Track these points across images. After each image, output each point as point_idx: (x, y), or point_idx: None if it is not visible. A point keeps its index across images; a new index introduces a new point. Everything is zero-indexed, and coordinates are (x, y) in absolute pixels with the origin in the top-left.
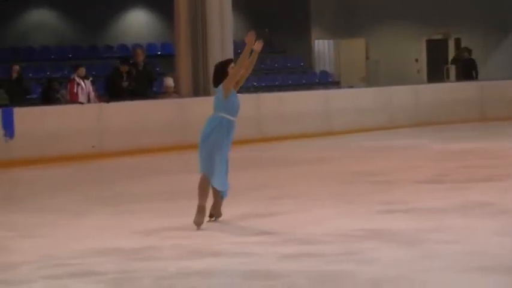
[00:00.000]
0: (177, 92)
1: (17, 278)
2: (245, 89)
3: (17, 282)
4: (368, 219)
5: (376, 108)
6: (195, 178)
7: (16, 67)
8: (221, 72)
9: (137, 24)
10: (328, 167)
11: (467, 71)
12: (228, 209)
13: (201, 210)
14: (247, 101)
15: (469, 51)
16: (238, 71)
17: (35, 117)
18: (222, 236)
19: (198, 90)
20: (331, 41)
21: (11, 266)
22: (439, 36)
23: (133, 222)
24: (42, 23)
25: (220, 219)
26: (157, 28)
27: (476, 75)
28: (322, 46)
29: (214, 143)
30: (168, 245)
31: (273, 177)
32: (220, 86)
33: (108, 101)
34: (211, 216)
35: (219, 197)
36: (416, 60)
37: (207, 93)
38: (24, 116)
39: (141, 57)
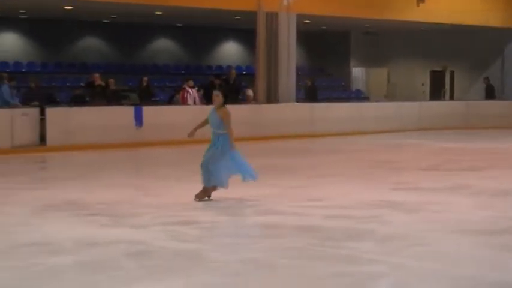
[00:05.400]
0: (255, 100)
1: (141, 223)
2: (301, 99)
3: (142, 226)
4: (384, 193)
5: (393, 117)
6: (273, 161)
7: (145, 78)
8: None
9: (229, 51)
10: (358, 156)
11: None
12: (286, 182)
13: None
14: (303, 108)
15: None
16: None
17: (158, 113)
18: (283, 200)
19: (270, 99)
20: (364, 69)
21: (137, 215)
22: (439, 68)
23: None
24: (164, 48)
25: (280, 188)
26: (243, 55)
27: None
28: (357, 72)
29: None
30: (247, 205)
31: (320, 161)
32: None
33: (207, 104)
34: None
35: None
36: (423, 84)
37: (276, 101)
38: (150, 112)
39: (233, 75)
